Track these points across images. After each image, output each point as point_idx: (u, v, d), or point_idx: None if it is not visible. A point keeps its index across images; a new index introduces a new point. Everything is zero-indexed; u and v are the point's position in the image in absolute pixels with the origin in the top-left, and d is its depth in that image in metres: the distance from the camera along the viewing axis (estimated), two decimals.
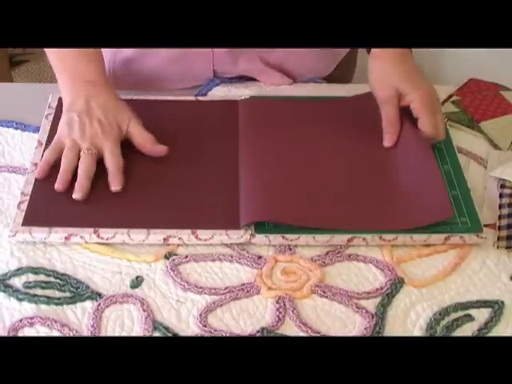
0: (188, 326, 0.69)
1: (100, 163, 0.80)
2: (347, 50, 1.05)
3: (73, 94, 0.85)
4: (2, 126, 0.90)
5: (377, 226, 0.75)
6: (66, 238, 0.74)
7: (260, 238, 0.75)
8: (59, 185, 0.79)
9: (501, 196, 0.79)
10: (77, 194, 0.78)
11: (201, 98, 0.94)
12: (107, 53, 0.97)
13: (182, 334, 0.68)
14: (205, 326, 0.68)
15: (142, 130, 0.84)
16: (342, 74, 1.04)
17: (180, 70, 0.96)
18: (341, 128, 0.88)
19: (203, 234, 0.75)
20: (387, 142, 0.85)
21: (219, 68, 0.97)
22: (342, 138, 0.86)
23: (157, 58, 0.96)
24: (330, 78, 1.01)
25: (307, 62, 0.98)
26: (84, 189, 0.78)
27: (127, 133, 0.84)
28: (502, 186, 0.80)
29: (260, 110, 0.90)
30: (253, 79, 0.98)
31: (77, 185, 0.79)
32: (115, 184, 0.80)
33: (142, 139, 0.84)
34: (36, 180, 0.79)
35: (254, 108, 0.90)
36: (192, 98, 0.94)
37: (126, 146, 0.83)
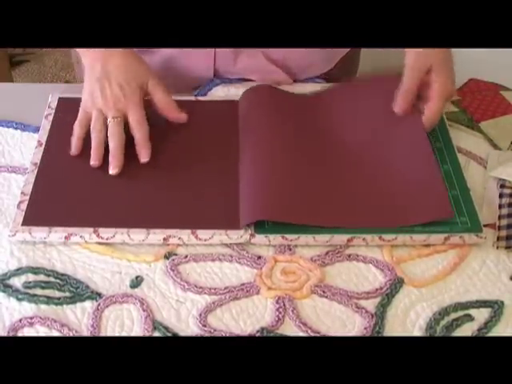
0: (188, 326, 0.69)
1: (105, 165, 0.81)
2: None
3: (90, 60, 0.84)
4: (2, 126, 0.90)
5: (376, 224, 0.75)
6: (66, 238, 0.74)
7: (260, 238, 0.75)
8: (95, 161, 0.79)
9: (500, 196, 0.79)
10: (114, 170, 0.78)
11: (201, 98, 0.94)
12: None
13: (182, 333, 0.68)
14: (204, 326, 0.68)
15: (163, 91, 0.83)
16: (343, 71, 1.04)
17: (181, 67, 0.96)
18: (342, 124, 0.87)
19: (203, 233, 0.75)
20: (398, 108, 0.85)
21: (221, 65, 0.96)
22: (343, 134, 0.86)
23: (157, 56, 0.96)
24: (332, 75, 1.01)
25: (309, 56, 0.97)
26: (120, 162, 0.79)
27: (147, 94, 0.83)
28: (502, 186, 0.80)
29: (261, 98, 0.89)
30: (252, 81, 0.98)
31: (112, 159, 0.79)
32: (143, 155, 0.80)
33: (165, 104, 0.83)
34: (36, 180, 0.79)
35: (255, 96, 0.90)
36: (192, 97, 0.94)
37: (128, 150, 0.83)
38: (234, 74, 0.97)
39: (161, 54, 0.96)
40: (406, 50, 0.86)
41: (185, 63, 0.96)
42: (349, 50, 1.04)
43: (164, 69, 0.96)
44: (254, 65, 0.97)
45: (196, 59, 0.96)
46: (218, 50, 0.95)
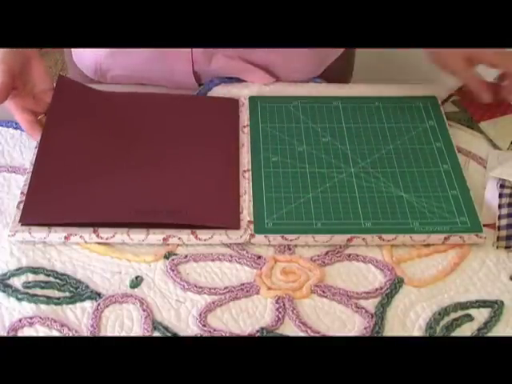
0: (187, 326, 0.69)
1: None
2: (339, 51, 1.04)
3: None
4: (2, 126, 0.90)
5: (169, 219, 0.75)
6: (66, 238, 0.74)
7: (260, 238, 0.75)
8: None
9: (500, 196, 0.79)
10: None
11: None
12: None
13: (182, 333, 0.68)
14: (204, 326, 0.68)
15: None
16: (338, 72, 1.03)
17: (160, 70, 0.96)
18: (158, 130, 0.87)
19: (203, 233, 0.75)
20: (486, 99, 0.90)
21: (199, 68, 0.96)
22: (157, 139, 0.85)
23: (137, 56, 0.95)
24: (326, 77, 1.00)
25: (292, 63, 0.97)
26: None
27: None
28: (502, 186, 0.80)
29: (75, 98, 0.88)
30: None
31: None
32: None
33: None
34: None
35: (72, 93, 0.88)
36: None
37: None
38: (213, 75, 0.97)
39: (141, 57, 0.95)
40: (434, 58, 0.93)
41: (164, 68, 0.95)
42: (340, 54, 1.04)
43: (145, 70, 0.96)
44: (234, 67, 0.96)
45: (174, 65, 0.95)
46: (195, 53, 0.94)
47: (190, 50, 0.94)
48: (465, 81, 0.92)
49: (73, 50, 1.04)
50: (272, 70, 0.97)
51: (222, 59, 0.95)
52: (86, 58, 1.00)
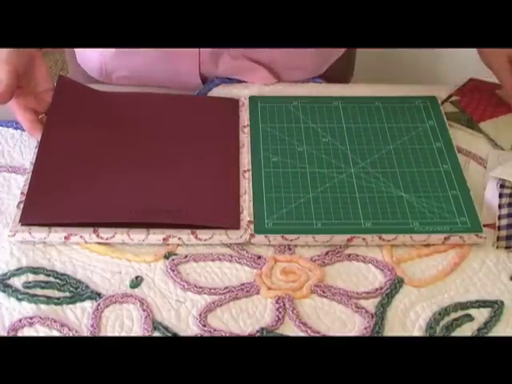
0: (187, 326, 0.69)
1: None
2: (341, 51, 1.04)
3: None
4: (2, 126, 0.90)
5: (170, 219, 0.75)
6: (66, 238, 0.74)
7: (260, 238, 0.75)
8: None
9: (500, 196, 0.79)
10: None
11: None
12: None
13: (182, 333, 0.68)
14: (204, 326, 0.68)
15: None
16: (337, 74, 1.03)
17: (166, 71, 0.96)
18: (159, 131, 0.87)
19: (203, 233, 0.75)
20: None
21: (205, 69, 0.96)
22: (157, 139, 0.85)
23: (142, 57, 0.95)
24: (327, 76, 1.00)
25: (296, 61, 0.97)
26: None
27: None
28: (502, 186, 0.80)
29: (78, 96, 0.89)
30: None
31: None
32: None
33: None
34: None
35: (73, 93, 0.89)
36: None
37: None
38: (217, 75, 0.97)
39: (147, 58, 0.95)
40: (479, 50, 0.92)
41: (170, 70, 0.95)
42: (342, 53, 1.04)
43: (151, 72, 0.96)
44: (239, 66, 0.96)
45: (180, 66, 0.95)
46: (201, 54, 0.94)
47: (197, 50, 0.94)
48: (500, 81, 0.92)
49: (77, 51, 1.04)
50: (276, 69, 0.97)
51: (227, 59, 0.95)
52: (91, 59, 1.00)
